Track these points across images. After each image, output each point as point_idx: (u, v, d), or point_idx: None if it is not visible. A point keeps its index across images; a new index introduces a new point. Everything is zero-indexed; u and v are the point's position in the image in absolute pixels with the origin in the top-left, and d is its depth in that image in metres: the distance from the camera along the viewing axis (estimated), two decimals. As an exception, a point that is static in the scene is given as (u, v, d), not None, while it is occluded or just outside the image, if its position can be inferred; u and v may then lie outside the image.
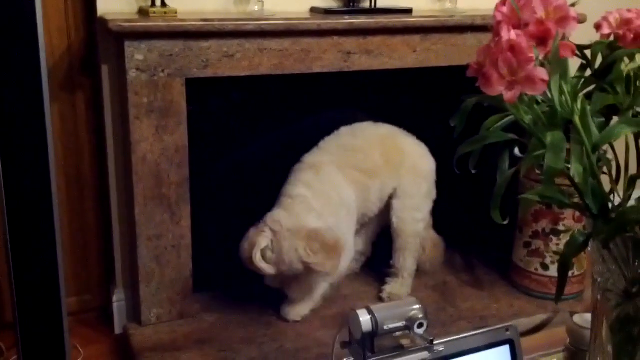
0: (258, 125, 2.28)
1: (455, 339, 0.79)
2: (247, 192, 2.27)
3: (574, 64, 2.51)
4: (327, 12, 2.06)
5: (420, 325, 0.76)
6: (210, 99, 2.14)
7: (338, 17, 2.05)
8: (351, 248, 2.16)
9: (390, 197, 2.21)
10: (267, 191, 2.10)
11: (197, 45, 1.87)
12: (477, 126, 0.86)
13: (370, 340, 0.75)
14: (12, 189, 1.53)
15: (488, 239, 2.50)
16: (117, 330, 2.17)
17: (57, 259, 1.62)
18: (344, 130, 2.18)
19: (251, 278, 2.17)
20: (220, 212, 2.25)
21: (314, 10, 2.11)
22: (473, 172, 2.48)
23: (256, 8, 1.99)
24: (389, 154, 2.17)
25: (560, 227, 2.19)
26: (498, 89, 0.68)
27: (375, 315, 0.75)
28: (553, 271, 2.24)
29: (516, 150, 2.54)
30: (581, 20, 2.07)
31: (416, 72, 2.21)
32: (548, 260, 2.23)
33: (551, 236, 2.21)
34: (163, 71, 1.87)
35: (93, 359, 2.04)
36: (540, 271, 2.25)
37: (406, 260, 2.24)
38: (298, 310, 2.10)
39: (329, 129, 2.18)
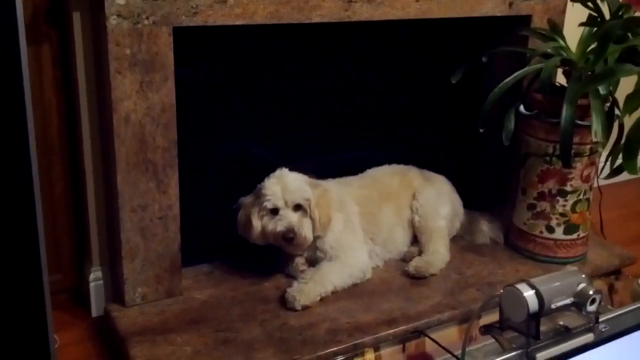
0: (253, 83, 2.07)
1: (622, 314, 0.64)
2: (240, 159, 2.06)
3: (582, 16, 2.30)
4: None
5: (593, 302, 0.60)
6: (199, 52, 1.91)
7: (337, -40, 1.85)
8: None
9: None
10: (262, 159, 1.92)
11: (186, -12, 1.65)
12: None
13: (536, 323, 0.58)
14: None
15: (484, 202, 2.40)
16: (95, 312, 1.95)
17: (37, 234, 1.40)
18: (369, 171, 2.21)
19: (242, 250, 2.00)
20: (208, 179, 2.04)
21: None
22: (481, 131, 2.31)
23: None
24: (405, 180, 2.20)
25: (568, 188, 2.09)
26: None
27: (540, 290, 0.59)
28: (559, 233, 2.14)
29: (521, 108, 2.37)
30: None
31: (416, 24, 2.05)
32: (554, 222, 2.13)
33: (557, 197, 2.11)
34: (147, 18, 1.64)
35: (72, 346, 1.82)
36: (545, 234, 2.15)
37: (431, 242, 2.12)
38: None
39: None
